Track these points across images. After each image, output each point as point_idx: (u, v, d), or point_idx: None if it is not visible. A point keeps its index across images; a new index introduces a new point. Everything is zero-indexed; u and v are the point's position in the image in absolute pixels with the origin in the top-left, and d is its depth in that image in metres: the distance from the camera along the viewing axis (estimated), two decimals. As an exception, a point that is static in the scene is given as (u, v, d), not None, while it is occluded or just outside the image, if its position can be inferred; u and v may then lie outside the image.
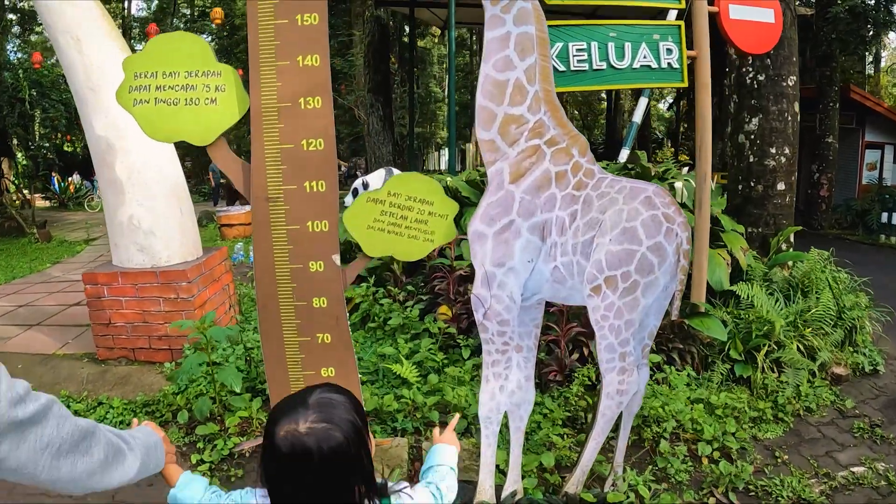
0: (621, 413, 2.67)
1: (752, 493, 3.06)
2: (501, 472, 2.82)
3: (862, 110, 13.28)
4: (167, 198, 4.95)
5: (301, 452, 1.16)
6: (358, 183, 12.56)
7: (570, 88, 3.85)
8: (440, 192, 2.41)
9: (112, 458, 1.21)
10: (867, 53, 16.88)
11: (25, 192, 20.52)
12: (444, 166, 28.76)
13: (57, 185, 23.68)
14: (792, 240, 5.61)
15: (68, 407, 4.03)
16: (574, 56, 3.69)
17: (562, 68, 3.60)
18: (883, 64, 24.66)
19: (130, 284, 4.77)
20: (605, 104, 29.95)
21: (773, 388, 3.92)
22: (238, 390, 3.56)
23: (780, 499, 3.00)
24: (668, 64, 3.88)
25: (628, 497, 2.77)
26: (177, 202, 5.00)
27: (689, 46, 3.88)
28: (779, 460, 3.37)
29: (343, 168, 34.49)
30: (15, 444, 1.00)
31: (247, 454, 3.42)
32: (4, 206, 15.16)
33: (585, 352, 3.80)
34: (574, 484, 2.75)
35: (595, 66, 3.73)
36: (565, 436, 3.29)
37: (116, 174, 4.77)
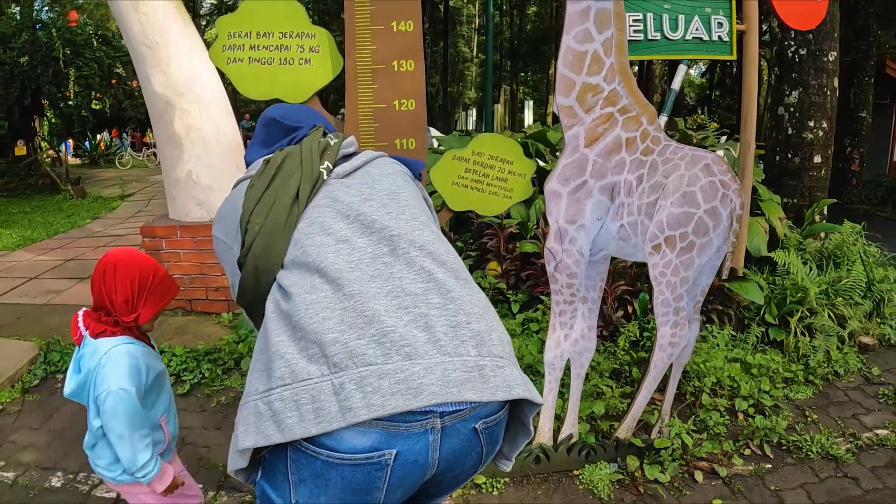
0: (671, 364, 2.88)
1: (785, 448, 3.26)
2: (557, 417, 3.06)
3: (896, 87, 13.20)
4: (224, 154, 5.11)
5: None
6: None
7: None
8: (520, 152, 2.60)
9: None
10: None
11: (62, 149, 20.85)
12: (471, 126, 28.62)
13: (88, 143, 23.99)
14: (825, 212, 5.74)
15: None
16: (630, 26, 3.81)
17: (619, 38, 3.74)
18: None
19: (189, 237, 4.98)
20: (636, 67, 29.61)
21: (804, 352, 4.11)
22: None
23: (809, 453, 3.19)
24: (719, 37, 3.98)
25: (673, 444, 3.00)
26: (233, 159, 5.16)
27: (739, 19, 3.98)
28: (808, 419, 3.56)
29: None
30: None
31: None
32: (39, 164, 15.42)
33: (630, 309, 4.01)
34: (625, 430, 2.99)
35: (650, 37, 3.83)
36: (613, 387, 3.51)
37: (175, 131, 4.94)
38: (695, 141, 5.34)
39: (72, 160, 20.28)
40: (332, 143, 1.52)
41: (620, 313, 4.01)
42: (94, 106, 19.96)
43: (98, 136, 24.80)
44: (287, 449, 1.16)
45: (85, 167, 21.23)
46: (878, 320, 4.82)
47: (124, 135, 26.80)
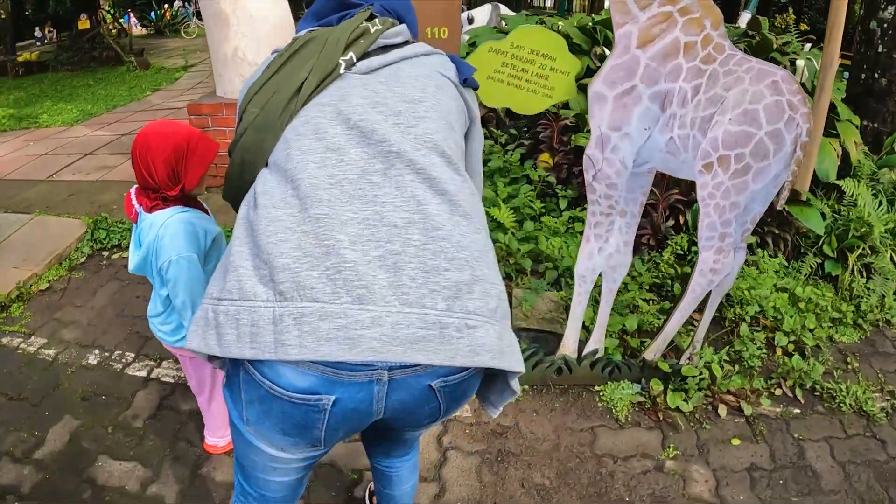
0: (710, 290, 2.73)
1: (818, 394, 3.08)
2: (586, 328, 2.97)
3: None
4: (271, 31, 5.04)
5: None
6: (463, 17, 12.39)
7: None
8: (564, 49, 2.38)
9: None
10: None
11: (125, 21, 20.76)
12: (549, 3, 27.12)
13: (153, 13, 23.80)
14: (906, 142, 5.27)
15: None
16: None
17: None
18: None
19: (234, 115, 4.93)
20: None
21: (858, 293, 3.85)
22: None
23: (842, 405, 2.98)
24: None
25: (702, 373, 2.88)
26: (282, 36, 5.07)
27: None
28: (849, 366, 3.33)
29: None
30: None
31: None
32: (102, 37, 15.48)
33: (681, 219, 3.82)
34: (653, 351, 2.88)
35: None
36: (650, 301, 3.38)
37: (221, 7, 4.90)
38: (775, 46, 4.89)
39: (137, 31, 20.21)
40: (371, 29, 1.30)
41: (671, 223, 3.82)
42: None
43: (164, 6, 24.56)
44: (241, 367, 1.10)
45: (150, 37, 21.20)
46: (945, 270, 4.48)
47: (188, 3, 26.44)
